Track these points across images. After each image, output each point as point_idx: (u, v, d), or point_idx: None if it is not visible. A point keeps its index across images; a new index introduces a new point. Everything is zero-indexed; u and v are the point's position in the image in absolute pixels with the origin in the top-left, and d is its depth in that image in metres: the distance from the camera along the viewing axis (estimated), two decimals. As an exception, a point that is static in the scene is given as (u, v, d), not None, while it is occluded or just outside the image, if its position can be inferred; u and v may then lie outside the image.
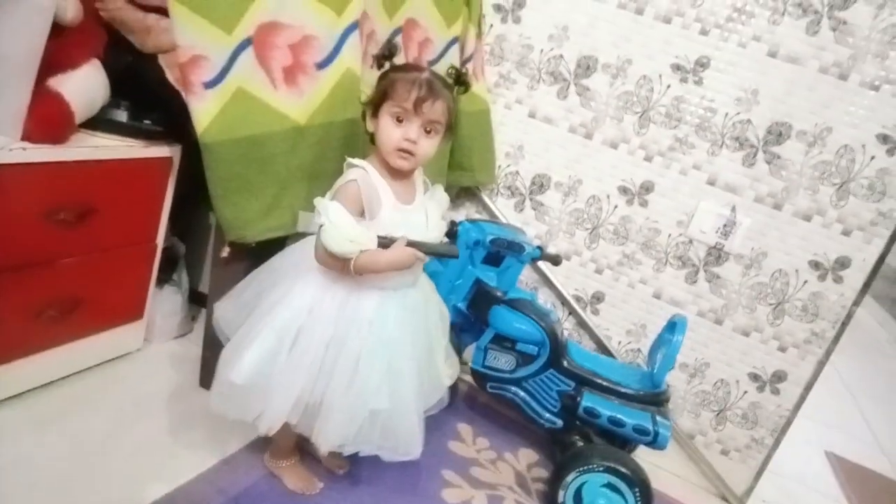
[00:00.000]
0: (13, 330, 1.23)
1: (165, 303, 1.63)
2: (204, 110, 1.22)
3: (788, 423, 1.74)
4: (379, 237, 1.12)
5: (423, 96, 1.11)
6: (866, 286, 1.60)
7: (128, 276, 1.47)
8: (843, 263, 1.61)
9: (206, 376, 1.50)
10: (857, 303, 1.61)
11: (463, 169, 1.78)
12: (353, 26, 1.32)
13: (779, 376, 1.72)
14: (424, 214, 1.23)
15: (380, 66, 1.21)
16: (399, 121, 1.13)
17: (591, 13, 1.72)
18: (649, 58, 1.68)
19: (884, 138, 1.52)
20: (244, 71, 1.24)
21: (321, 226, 1.10)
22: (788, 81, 1.57)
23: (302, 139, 1.32)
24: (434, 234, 1.23)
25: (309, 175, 1.35)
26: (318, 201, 1.13)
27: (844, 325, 1.64)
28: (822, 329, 1.66)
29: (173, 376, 1.56)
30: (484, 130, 1.80)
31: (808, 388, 1.70)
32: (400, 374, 1.17)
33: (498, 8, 1.82)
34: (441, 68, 1.56)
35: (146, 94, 1.38)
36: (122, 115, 1.35)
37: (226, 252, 1.42)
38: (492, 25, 1.83)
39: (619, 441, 1.51)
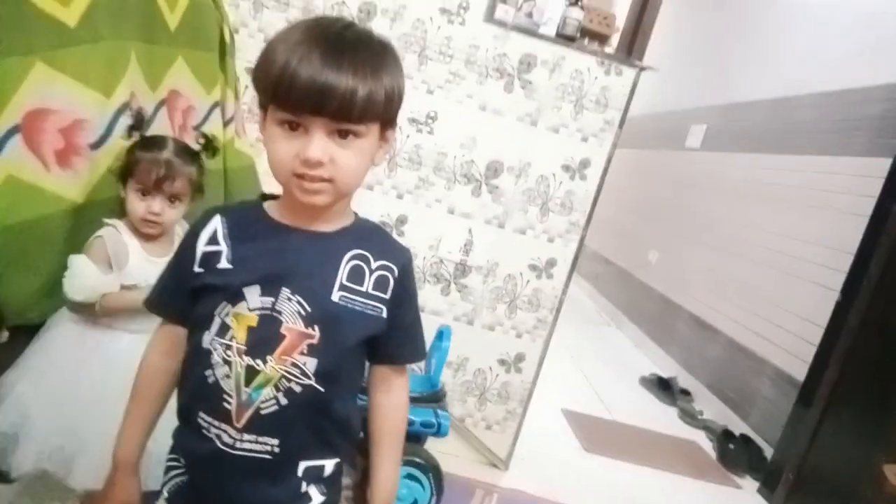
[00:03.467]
0: None
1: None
2: (-29, 201, 1.21)
3: (531, 393, 2.20)
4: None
5: (161, 177, 1.28)
6: (569, 278, 2.11)
7: None
8: (551, 263, 2.10)
9: (-6, 467, 1.44)
10: (565, 292, 2.12)
11: (236, 220, 1.90)
12: (125, 107, 1.40)
13: (519, 357, 2.16)
14: None
15: (129, 136, 1.36)
16: (144, 194, 1.30)
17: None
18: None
19: (566, 168, 2.03)
20: (13, 158, 1.25)
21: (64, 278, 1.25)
22: (496, 128, 2.00)
23: (82, 216, 1.36)
24: None
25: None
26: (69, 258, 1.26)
27: (559, 310, 2.13)
28: (545, 316, 2.14)
29: (-48, 476, 1.45)
30: (252, 183, 1.94)
31: (541, 363, 2.17)
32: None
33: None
34: (205, 130, 1.70)
35: None
36: None
37: (4, 337, 1.39)
38: (246, 87, 1.99)
39: (413, 437, 1.79)
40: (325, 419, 0.83)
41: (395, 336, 0.87)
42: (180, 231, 1.42)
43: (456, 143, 2.01)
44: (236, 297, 0.78)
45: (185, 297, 0.83)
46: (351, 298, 0.81)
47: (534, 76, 1.97)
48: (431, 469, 1.66)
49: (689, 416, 3.24)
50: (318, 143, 0.73)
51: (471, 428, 2.20)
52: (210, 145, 1.42)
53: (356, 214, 0.89)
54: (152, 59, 1.53)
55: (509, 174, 2.03)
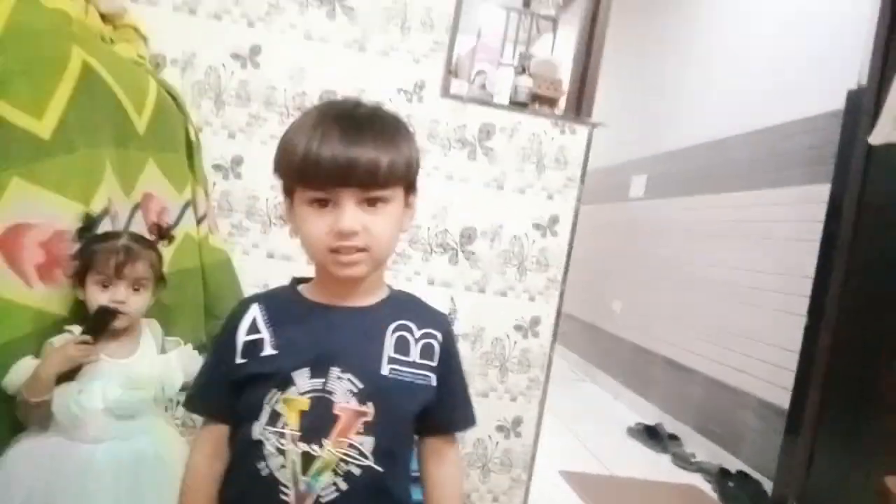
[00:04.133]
0: None
1: None
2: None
3: (533, 457, 2.16)
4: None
5: (122, 262, 1.24)
6: (555, 334, 2.13)
7: None
8: (536, 321, 2.11)
9: None
10: (552, 348, 2.13)
11: (217, 317, 1.86)
12: (104, 213, 1.37)
13: (517, 421, 2.14)
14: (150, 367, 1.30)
15: (80, 238, 1.29)
16: (105, 286, 1.24)
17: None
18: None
19: (537, 226, 2.08)
20: (-9, 276, 1.21)
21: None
22: (466, 196, 2.05)
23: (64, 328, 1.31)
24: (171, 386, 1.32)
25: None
26: None
27: (549, 367, 2.13)
28: (536, 375, 2.13)
29: None
30: (230, 277, 1.92)
31: (539, 423, 2.15)
32: None
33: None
34: (179, 230, 1.68)
35: None
36: None
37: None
38: (214, 183, 1.99)
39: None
40: (385, 501, 0.80)
41: (445, 404, 0.85)
42: (148, 331, 1.35)
43: (428, 215, 2.04)
44: (285, 382, 0.77)
45: (228, 392, 0.81)
46: (400, 370, 0.80)
47: (494, 143, 2.05)
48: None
49: (683, 461, 3.23)
50: (350, 213, 0.75)
51: (477, 502, 2.13)
52: (164, 233, 1.40)
53: (390, 287, 0.89)
54: (125, 163, 1.52)
55: (483, 238, 2.07)
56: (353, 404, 0.76)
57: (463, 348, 2.09)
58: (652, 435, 3.50)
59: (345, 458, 0.75)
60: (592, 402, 4.32)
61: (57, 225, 1.30)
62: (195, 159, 1.83)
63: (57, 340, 1.23)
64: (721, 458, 3.14)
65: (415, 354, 0.82)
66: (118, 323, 1.25)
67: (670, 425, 3.61)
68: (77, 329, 1.25)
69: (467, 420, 0.90)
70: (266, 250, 2.04)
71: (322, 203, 0.76)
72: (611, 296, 4.71)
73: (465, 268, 2.07)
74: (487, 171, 2.05)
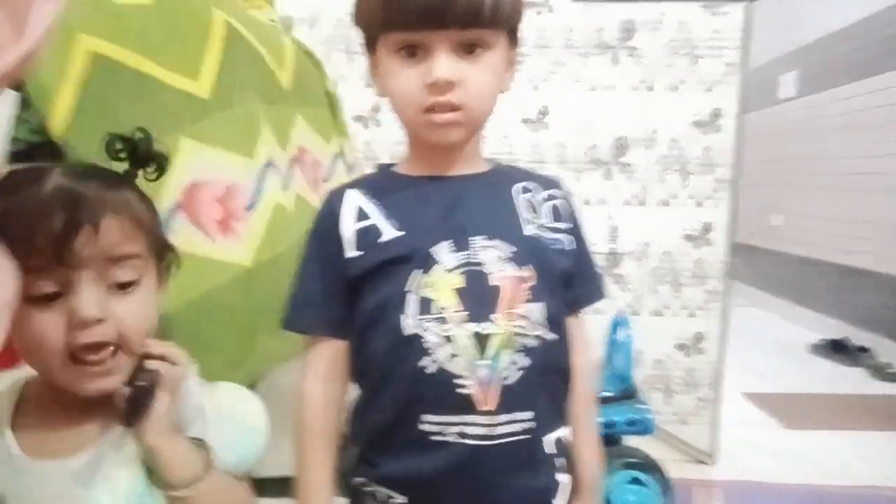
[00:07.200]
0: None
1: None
2: (149, 285, 1.22)
3: (720, 373, 2.01)
4: None
5: (61, 236, 0.56)
6: (731, 239, 1.94)
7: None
8: (707, 228, 1.95)
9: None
10: (729, 254, 1.95)
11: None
12: (268, 164, 1.40)
13: (698, 338, 1.99)
14: None
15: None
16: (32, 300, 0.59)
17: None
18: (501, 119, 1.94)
19: (698, 123, 1.90)
20: (179, 234, 1.26)
21: None
22: (612, 104, 1.91)
23: (254, 280, 1.35)
24: None
25: (276, 311, 1.37)
26: None
27: (728, 275, 1.96)
28: (714, 286, 1.97)
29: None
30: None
31: (724, 338, 1.99)
32: None
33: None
34: (330, 184, 1.69)
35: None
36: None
37: (205, 418, 1.37)
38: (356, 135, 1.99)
39: (614, 440, 1.65)
40: (559, 377, 0.72)
41: (580, 272, 0.75)
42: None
43: (573, 131, 1.93)
44: (427, 261, 0.66)
45: (341, 298, 0.71)
46: (539, 232, 0.71)
47: (638, 41, 1.88)
48: (656, 468, 1.51)
49: (882, 372, 2.92)
50: (445, 60, 0.63)
51: (663, 425, 2.02)
52: (139, 153, 0.70)
53: (489, 158, 0.78)
54: (276, 119, 1.54)
55: (637, 147, 1.92)
56: (511, 270, 0.67)
57: (629, 268, 1.97)
58: (839, 349, 3.19)
59: (519, 331, 0.65)
60: (759, 325, 4.00)
61: (228, 179, 1.34)
62: (336, 112, 1.83)
63: None
64: (928, 365, 2.80)
65: (545, 217, 0.73)
66: (95, 385, 0.61)
67: (859, 337, 3.27)
68: None
69: (601, 291, 0.80)
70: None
71: (410, 51, 0.65)
72: (768, 210, 4.33)
73: (621, 181, 1.94)
74: (633, 73, 1.89)
